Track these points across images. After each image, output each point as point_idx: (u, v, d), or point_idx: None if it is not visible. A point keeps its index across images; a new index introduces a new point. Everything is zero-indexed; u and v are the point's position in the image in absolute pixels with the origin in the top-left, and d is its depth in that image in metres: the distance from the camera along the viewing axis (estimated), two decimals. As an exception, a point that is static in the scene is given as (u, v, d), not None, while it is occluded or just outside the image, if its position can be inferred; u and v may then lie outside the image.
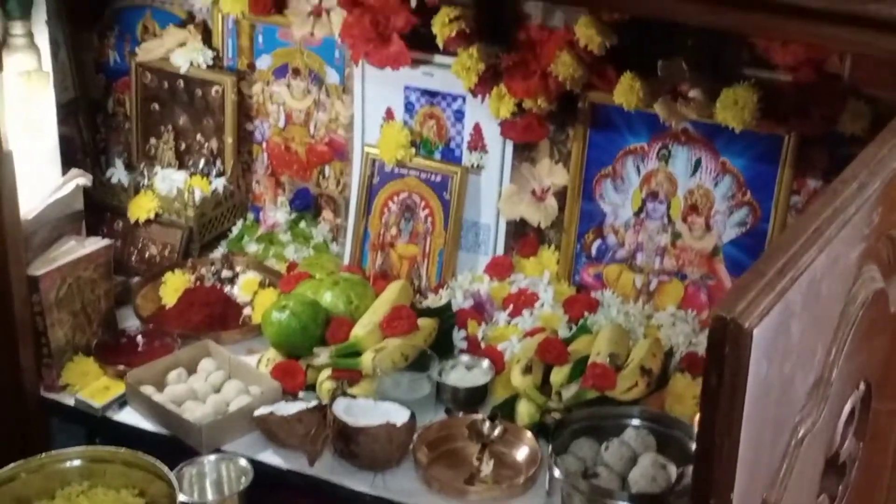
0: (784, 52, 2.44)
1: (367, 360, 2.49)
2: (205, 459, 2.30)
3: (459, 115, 2.78)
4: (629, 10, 2.05)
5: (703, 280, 2.63)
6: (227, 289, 2.84)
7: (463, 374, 2.51)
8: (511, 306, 2.67)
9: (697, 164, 2.57)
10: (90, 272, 2.56)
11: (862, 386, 1.49)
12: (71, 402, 2.51)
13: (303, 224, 3.05)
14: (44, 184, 2.57)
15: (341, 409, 2.31)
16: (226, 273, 2.88)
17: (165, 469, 2.12)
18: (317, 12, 2.90)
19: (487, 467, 2.29)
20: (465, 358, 2.54)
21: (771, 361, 1.20)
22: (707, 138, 2.54)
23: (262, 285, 2.83)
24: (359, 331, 2.55)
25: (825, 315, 1.32)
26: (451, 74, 2.70)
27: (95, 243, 2.59)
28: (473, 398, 2.47)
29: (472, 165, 2.79)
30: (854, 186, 1.31)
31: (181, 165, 3.10)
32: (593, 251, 2.72)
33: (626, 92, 2.51)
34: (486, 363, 2.51)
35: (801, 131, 2.44)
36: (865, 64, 2.36)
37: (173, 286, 2.83)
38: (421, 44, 2.74)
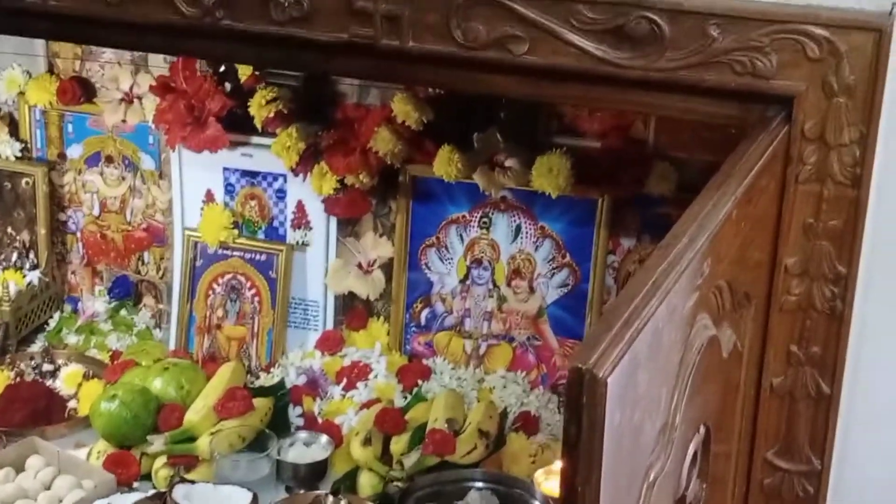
0: (591, 120, 2.57)
1: (203, 444, 2.45)
2: (41, 561, 2.21)
3: (281, 194, 2.80)
4: (449, 86, 2.11)
5: (530, 341, 2.70)
6: (49, 382, 2.76)
7: (302, 450, 2.50)
8: (345, 380, 2.68)
9: (518, 229, 2.65)
10: None
11: (702, 429, 1.57)
12: None
13: (123, 312, 3.01)
14: None
15: (181, 495, 2.27)
16: (47, 367, 2.81)
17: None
18: (128, 99, 2.89)
19: (334, 542, 2.29)
20: (302, 434, 2.54)
21: (623, 409, 1.26)
22: (525, 205, 2.63)
23: (86, 377, 2.77)
24: (192, 416, 2.52)
25: (668, 363, 1.39)
26: (270, 154, 2.72)
27: None
28: (314, 474, 2.46)
29: (297, 243, 2.81)
30: (685, 240, 1.39)
31: (-8, 258, 3.01)
32: (422, 320, 2.76)
33: (444, 164, 2.58)
34: (324, 438, 2.52)
35: (612, 194, 2.55)
36: (668, 128, 2.50)
37: (-9, 382, 2.73)
38: (239, 125, 2.76)
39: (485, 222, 2.68)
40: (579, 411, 1.21)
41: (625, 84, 1.70)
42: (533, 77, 1.72)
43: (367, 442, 2.45)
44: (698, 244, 1.42)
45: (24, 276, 2.96)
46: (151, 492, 2.31)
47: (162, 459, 2.45)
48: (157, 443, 2.45)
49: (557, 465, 2.38)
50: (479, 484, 2.29)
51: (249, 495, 2.28)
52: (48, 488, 2.40)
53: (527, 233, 2.65)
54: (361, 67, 1.82)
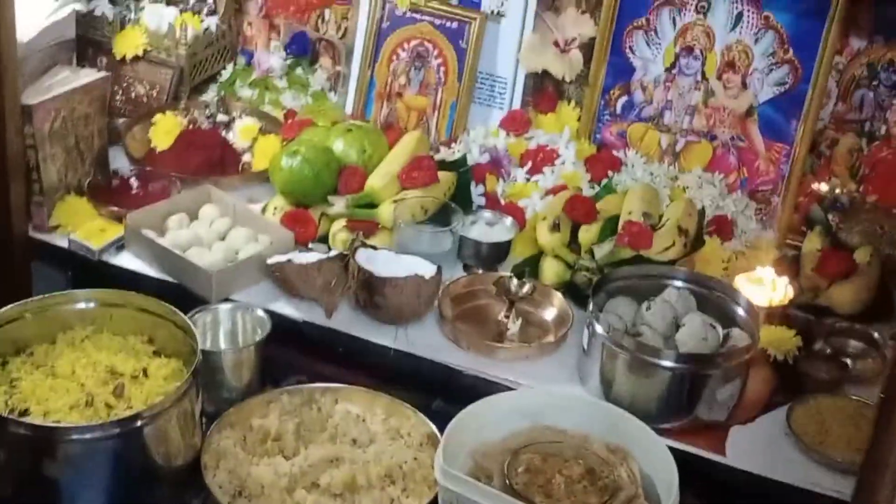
0: None
1: (385, 211, 2.34)
2: (219, 308, 2.14)
3: (483, -44, 2.60)
4: None
5: (733, 142, 2.51)
6: (223, 133, 2.66)
7: (485, 229, 2.36)
8: (530, 163, 2.53)
9: (738, 17, 2.43)
10: (84, 106, 2.35)
11: None
12: (63, 243, 2.33)
13: (299, 70, 2.87)
14: (37, 5, 2.34)
15: (363, 259, 2.17)
16: (221, 117, 2.70)
17: (182, 315, 1.96)
18: None
19: (515, 326, 2.18)
20: (486, 214, 2.40)
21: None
22: (750, -11, 2.40)
23: (261, 132, 2.65)
24: (375, 181, 2.40)
25: None
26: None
27: (91, 75, 2.38)
28: (496, 254, 2.33)
29: (492, 12, 2.62)
30: None
31: (170, 0, 2.87)
32: (618, 108, 2.58)
33: (667, -63, 2.35)
34: (508, 220, 2.37)
35: (851, -14, 2.30)
36: None
37: (164, 128, 2.63)
38: None
39: (703, 6, 2.46)
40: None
41: None
42: None
43: (555, 228, 2.31)
44: None
45: (202, 21, 2.81)
46: (333, 252, 2.20)
47: (341, 222, 2.34)
48: (338, 204, 2.34)
49: (761, 271, 2.22)
50: (678, 283, 2.14)
51: (433, 267, 2.17)
52: (223, 239, 2.31)
53: (748, 21, 2.42)
54: None
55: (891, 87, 2.39)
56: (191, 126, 2.65)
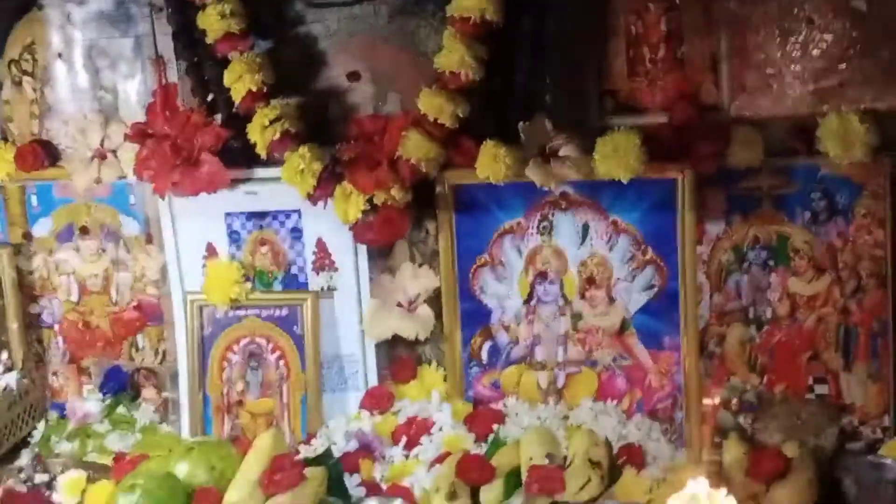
0: (652, 91, 2.22)
1: (253, 527, 1.98)
2: None
3: (297, 234, 2.40)
4: None
5: (616, 362, 2.29)
6: (46, 494, 2.28)
7: (376, 519, 2.03)
8: (404, 438, 2.25)
9: (585, 229, 2.26)
10: None
11: None
12: None
13: (121, 409, 2.56)
14: None
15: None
16: (40, 477, 2.34)
17: None
18: (100, 155, 2.48)
19: None
20: (373, 502, 2.06)
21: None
22: (591, 198, 2.24)
23: (90, 481, 2.28)
24: (233, 496, 2.05)
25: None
26: (278, 188, 2.33)
27: None
28: (394, 544, 1.99)
29: (323, 289, 2.40)
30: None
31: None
32: (484, 356, 2.34)
33: (490, 163, 2.19)
34: (398, 502, 2.04)
35: (695, 169, 2.16)
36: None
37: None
38: (237, 160, 2.36)
39: (545, 226, 2.28)
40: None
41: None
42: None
43: (452, 496, 2.01)
44: None
45: (-1, 381, 2.49)
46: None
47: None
48: (196, 533, 1.97)
49: (694, 487, 1.93)
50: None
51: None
52: None
53: (597, 231, 2.26)
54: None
55: (762, 265, 2.22)
56: (7, 495, 2.25)
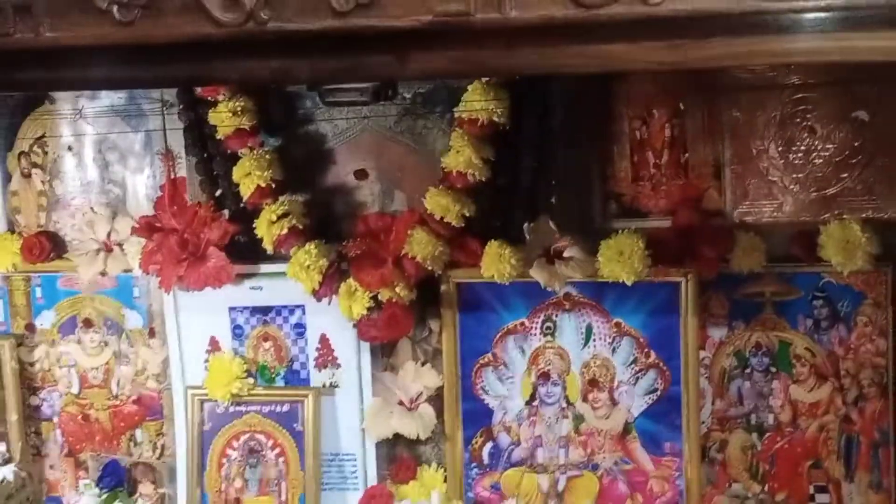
0: (656, 196, 2.24)
1: None
2: None
3: (300, 329, 2.39)
4: (559, 69, 1.62)
5: (617, 466, 2.27)
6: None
7: None
8: (403, 539, 2.21)
9: (589, 331, 2.26)
10: None
11: None
12: None
13: (117, 504, 2.52)
14: None
15: None
16: (32, 573, 2.29)
17: None
18: (107, 248, 2.49)
19: None
20: None
21: None
22: (595, 299, 2.25)
23: (83, 577, 2.25)
24: None
25: None
26: (283, 283, 2.33)
27: None
28: None
29: (325, 385, 2.38)
30: None
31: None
32: (485, 457, 2.32)
33: (495, 262, 2.20)
34: None
35: (698, 273, 2.17)
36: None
37: None
38: (242, 255, 2.36)
39: (548, 327, 2.28)
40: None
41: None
42: (671, 35, 1.37)
43: None
44: None
45: (-4, 472, 2.46)
46: None
47: None
48: None
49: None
50: None
51: None
52: None
53: (600, 332, 2.25)
54: (444, 62, 1.45)
55: (764, 371, 2.22)
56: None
